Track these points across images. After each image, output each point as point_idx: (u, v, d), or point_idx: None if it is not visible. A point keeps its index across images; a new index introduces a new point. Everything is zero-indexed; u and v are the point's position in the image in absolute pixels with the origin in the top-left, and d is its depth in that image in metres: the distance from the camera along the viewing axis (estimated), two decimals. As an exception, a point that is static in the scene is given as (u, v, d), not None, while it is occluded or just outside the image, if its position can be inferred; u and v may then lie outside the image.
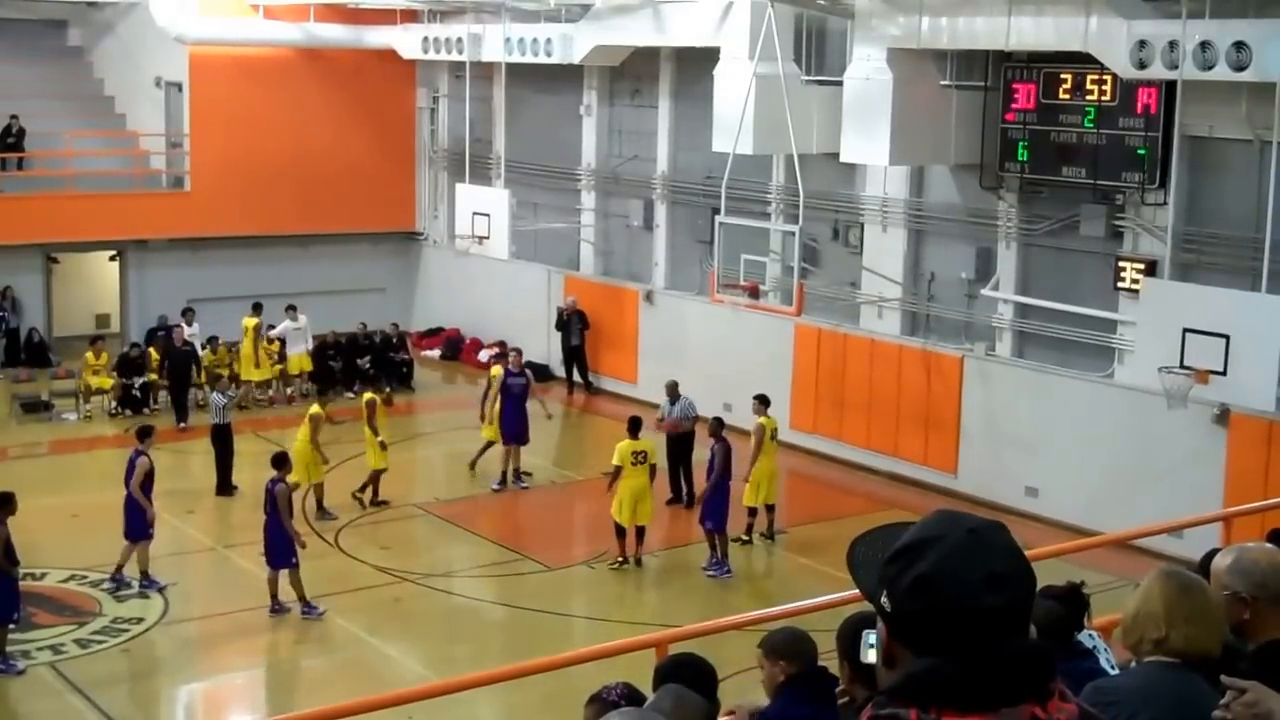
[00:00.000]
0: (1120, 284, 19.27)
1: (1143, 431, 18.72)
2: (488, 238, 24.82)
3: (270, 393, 26.44)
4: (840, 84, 20.56)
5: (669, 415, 20.31)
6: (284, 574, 16.23)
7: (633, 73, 26.69)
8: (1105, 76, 18.73)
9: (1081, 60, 18.56)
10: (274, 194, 29.26)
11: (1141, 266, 18.82)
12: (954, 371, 21.30)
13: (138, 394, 25.29)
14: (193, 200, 29.10)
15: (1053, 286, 20.50)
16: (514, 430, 21.39)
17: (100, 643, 15.61)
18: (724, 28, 22.11)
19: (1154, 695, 3.88)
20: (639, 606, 17.33)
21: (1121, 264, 19.28)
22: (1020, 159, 20.20)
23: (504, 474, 21.42)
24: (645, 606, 17.35)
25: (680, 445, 20.32)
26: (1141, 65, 17.32)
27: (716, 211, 21.59)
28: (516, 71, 26.37)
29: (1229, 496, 16.96)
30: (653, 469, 18.15)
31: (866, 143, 20.03)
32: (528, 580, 17.89)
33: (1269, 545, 4.53)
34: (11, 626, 14.88)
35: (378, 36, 29.73)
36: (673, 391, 20.50)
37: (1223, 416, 17.85)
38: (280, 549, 16.21)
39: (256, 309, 26.42)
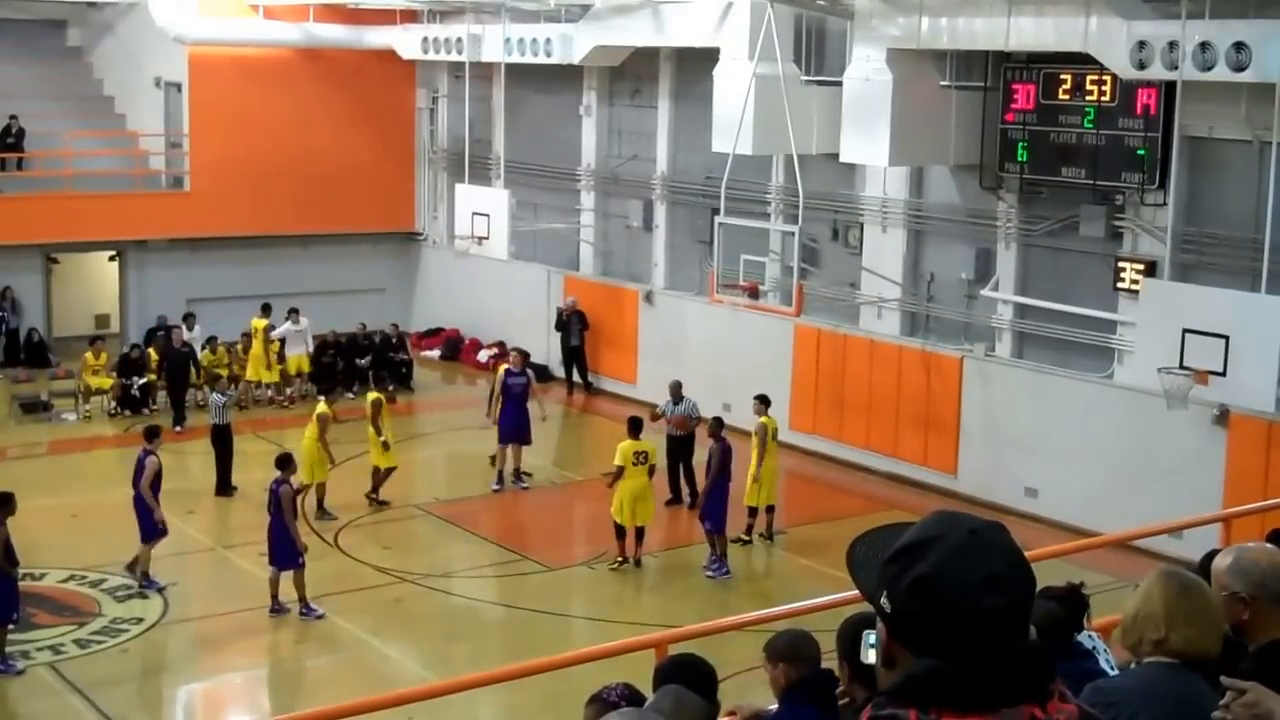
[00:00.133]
0: (1120, 284, 19.27)
1: (1142, 432, 18.72)
2: (487, 238, 24.82)
3: (270, 393, 26.43)
4: (840, 84, 20.56)
5: (671, 413, 20.29)
6: (286, 574, 16.24)
7: (632, 73, 26.69)
8: (1105, 77, 18.73)
9: (1081, 61, 18.56)
10: (274, 194, 29.26)
11: (1141, 267, 18.82)
12: (953, 372, 21.30)
13: (137, 394, 25.29)
14: (192, 200, 29.11)
15: (1052, 287, 20.50)
16: (514, 430, 21.39)
17: (100, 643, 15.61)
18: (724, 28, 22.11)
19: (1154, 696, 3.88)
20: (639, 607, 17.33)
21: (1121, 264, 19.29)
22: (1020, 159, 20.21)
23: (500, 474, 21.42)
24: (645, 607, 17.34)
25: (681, 446, 20.32)
26: (1141, 66, 17.32)
27: (716, 212, 21.60)
28: (516, 72, 26.37)
29: (1228, 497, 16.96)
30: (651, 469, 18.16)
31: (866, 143, 20.03)
32: (528, 580, 17.90)
33: (1269, 545, 4.53)
34: (11, 627, 14.88)
35: (377, 37, 29.74)
36: (676, 392, 20.50)
37: (1222, 417, 17.85)
38: (284, 550, 16.21)
39: (265, 310, 26.45)
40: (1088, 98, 19.24)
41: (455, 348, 30.41)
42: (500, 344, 28.92)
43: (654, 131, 26.55)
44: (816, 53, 22.33)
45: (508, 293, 28.96)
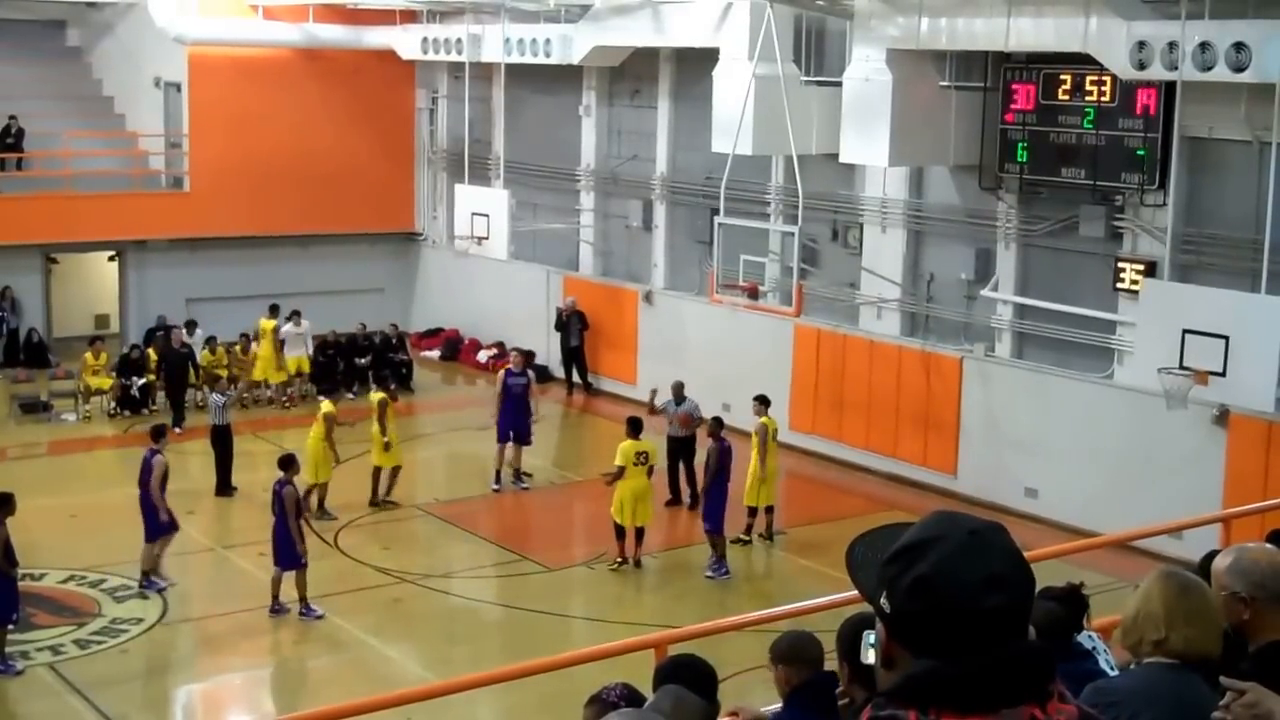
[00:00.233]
0: (1119, 285, 19.27)
1: (1142, 432, 18.71)
2: (487, 238, 24.82)
3: (270, 393, 26.43)
4: (840, 85, 20.56)
5: (674, 412, 20.29)
6: (288, 575, 16.25)
7: (632, 73, 26.69)
8: (1105, 77, 18.73)
9: (1081, 61, 18.56)
10: (273, 194, 29.27)
11: (1141, 267, 18.82)
12: (953, 372, 21.30)
13: (136, 395, 25.29)
14: (192, 200, 29.11)
15: (1052, 287, 20.50)
16: (514, 430, 21.39)
17: (99, 643, 15.61)
18: (723, 28, 22.12)
19: (1154, 696, 3.88)
20: (638, 607, 17.32)
21: (1121, 265, 19.29)
22: (1019, 160, 20.20)
23: (498, 473, 21.43)
24: (645, 607, 17.34)
25: (683, 446, 20.31)
26: (1141, 66, 17.31)
27: (716, 212, 21.60)
28: (516, 72, 26.37)
29: (1228, 497, 16.96)
30: (650, 469, 18.15)
31: (866, 143, 20.03)
32: (527, 581, 17.90)
33: (1268, 546, 4.53)
34: (10, 627, 14.87)
35: (377, 37, 29.74)
36: (678, 392, 20.49)
37: (1222, 417, 17.85)
38: (288, 550, 16.21)
39: (273, 311, 26.49)
40: (1087, 98, 19.24)
41: (455, 348, 30.42)
42: (500, 344, 28.93)
43: (654, 132, 26.55)
44: (816, 53, 22.33)
45: (507, 293, 28.96)
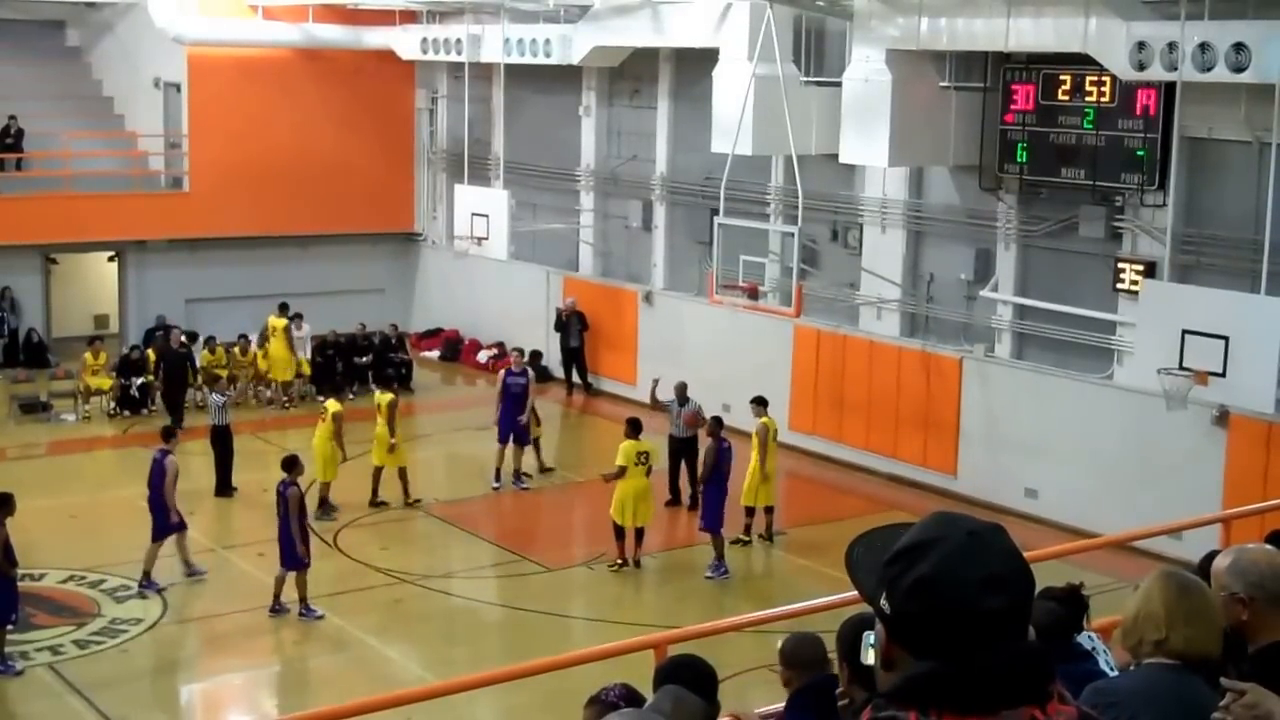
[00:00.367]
0: (1119, 285, 19.28)
1: (1142, 433, 18.71)
2: (486, 238, 24.82)
3: (270, 393, 26.43)
4: (839, 85, 20.56)
5: (678, 411, 20.28)
6: (290, 574, 16.26)
7: (632, 73, 26.69)
8: (1104, 78, 18.73)
9: (1081, 61, 18.56)
10: (273, 194, 29.27)
11: (1141, 268, 18.82)
12: (953, 373, 21.30)
13: (136, 395, 25.28)
14: (191, 201, 29.11)
15: (1052, 288, 20.50)
16: (514, 430, 21.40)
17: (99, 644, 15.61)
18: (723, 28, 22.11)
19: (1154, 697, 3.88)
20: (638, 607, 17.33)
21: (1121, 265, 19.29)
22: (1019, 160, 20.20)
23: (498, 471, 21.45)
24: (644, 608, 17.34)
25: (685, 446, 20.30)
26: (1141, 66, 17.31)
27: (715, 212, 21.60)
28: (515, 72, 26.37)
29: (1228, 498, 16.96)
30: (649, 469, 18.15)
31: (865, 144, 20.03)
32: (527, 581, 17.90)
33: (1268, 546, 4.53)
34: (10, 627, 14.87)
35: (376, 37, 29.73)
36: (681, 393, 20.49)
37: (1222, 418, 17.85)
38: (294, 551, 16.22)
39: (283, 309, 26.51)
40: (1087, 98, 19.24)
41: (454, 348, 30.42)
42: (500, 344, 28.93)
43: (653, 132, 26.54)
44: (816, 53, 22.33)
45: (507, 293, 28.96)
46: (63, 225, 27.65)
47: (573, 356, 27.39)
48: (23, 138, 28.79)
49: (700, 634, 8.79)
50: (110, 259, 29.70)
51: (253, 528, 18.57)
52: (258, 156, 28.98)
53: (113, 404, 25.32)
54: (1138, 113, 18.66)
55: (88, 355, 25.50)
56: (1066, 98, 19.51)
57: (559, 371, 27.78)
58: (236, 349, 26.47)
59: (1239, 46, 16.18)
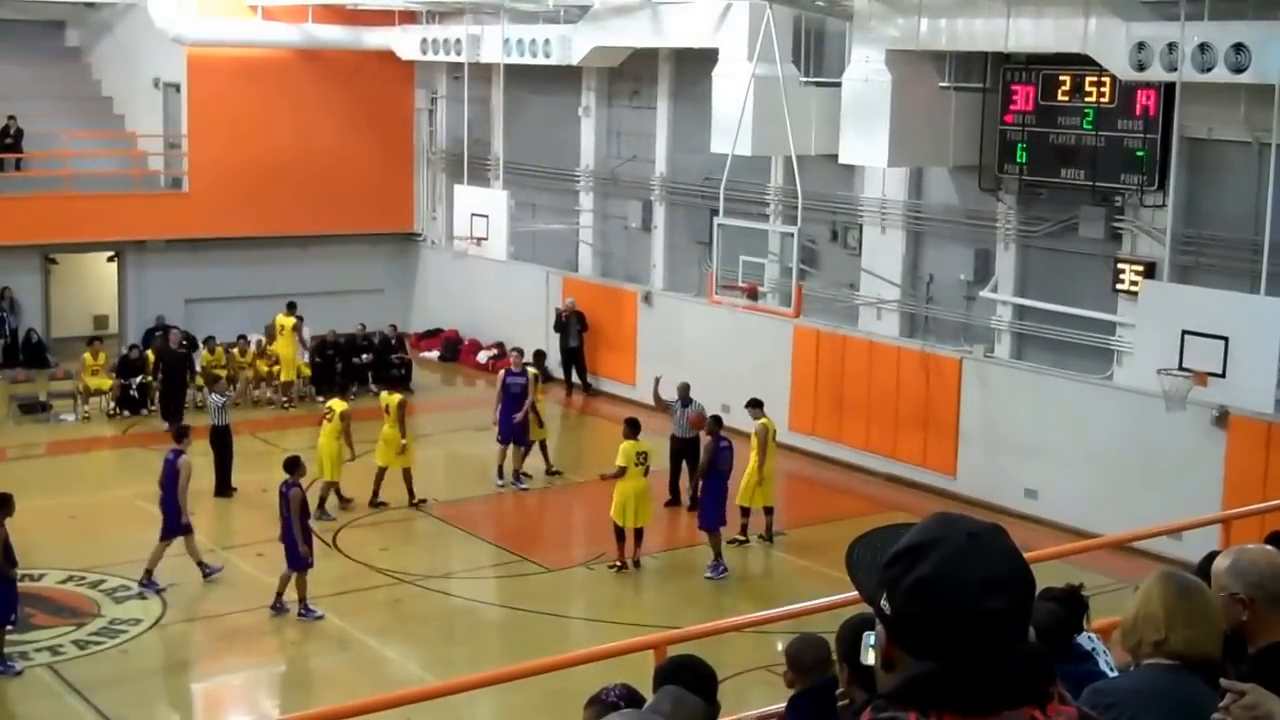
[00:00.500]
0: (1119, 286, 19.28)
1: (1142, 434, 18.71)
2: (486, 239, 24.81)
3: (269, 393, 26.41)
4: (839, 85, 20.56)
5: (681, 411, 20.27)
6: (293, 574, 16.26)
7: (631, 74, 26.69)
8: (1104, 78, 18.73)
9: (1080, 62, 18.56)
10: (272, 195, 29.27)
11: (1140, 268, 18.82)
12: (953, 373, 21.30)
13: (135, 395, 25.27)
14: (191, 201, 29.11)
15: (1051, 288, 20.50)
16: (514, 430, 21.40)
17: (98, 644, 15.60)
18: (722, 29, 22.12)
19: (1153, 697, 3.88)
20: (638, 608, 17.33)
21: (1120, 266, 19.29)
22: (1019, 161, 20.21)
23: (500, 469, 21.44)
24: (644, 608, 17.35)
25: (688, 447, 20.28)
26: (1140, 67, 17.31)
27: (715, 213, 21.60)
28: (515, 72, 26.37)
29: (1228, 498, 16.96)
30: (646, 469, 18.15)
31: (865, 144, 20.03)
32: (527, 582, 17.89)
33: (1268, 547, 4.53)
34: (9, 628, 14.87)
35: (376, 38, 29.74)
36: (684, 394, 20.48)
37: (1222, 418, 17.84)
38: (297, 551, 16.22)
39: (291, 308, 26.51)
40: (1087, 99, 19.24)
41: (454, 349, 30.42)
42: (500, 345, 28.92)
43: (653, 132, 26.55)
44: (815, 54, 22.33)
45: (506, 294, 28.96)
46: (62, 225, 27.65)
47: (572, 357, 27.39)
48: (22, 138, 28.78)
49: (700, 634, 8.79)
50: (110, 259, 29.70)
51: (252, 528, 18.57)
52: (257, 156, 28.98)
53: (112, 404, 25.31)
54: (1137, 113, 18.66)
55: (87, 355, 25.50)
56: (1066, 98, 19.52)
57: (559, 372, 27.77)
58: (236, 349, 26.47)
59: (1239, 47, 16.18)
